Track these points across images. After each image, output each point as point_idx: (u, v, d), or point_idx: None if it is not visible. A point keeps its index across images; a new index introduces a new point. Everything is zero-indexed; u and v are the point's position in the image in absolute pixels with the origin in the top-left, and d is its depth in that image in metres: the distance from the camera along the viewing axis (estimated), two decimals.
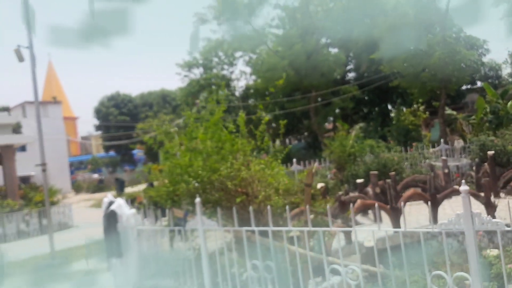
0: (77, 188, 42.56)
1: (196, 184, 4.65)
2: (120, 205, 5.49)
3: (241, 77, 35.04)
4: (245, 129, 5.72)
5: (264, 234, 4.38)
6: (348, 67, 31.11)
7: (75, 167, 51.07)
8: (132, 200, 10.62)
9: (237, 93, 34.13)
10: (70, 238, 14.89)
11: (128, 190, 34.36)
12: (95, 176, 45.84)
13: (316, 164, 16.29)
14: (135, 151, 52.27)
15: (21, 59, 11.58)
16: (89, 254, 11.59)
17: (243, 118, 5.79)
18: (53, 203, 17.30)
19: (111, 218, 5.56)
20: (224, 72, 33.38)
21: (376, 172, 11.89)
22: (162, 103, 50.70)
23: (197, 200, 4.51)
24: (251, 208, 4.22)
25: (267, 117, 5.89)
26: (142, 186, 38.13)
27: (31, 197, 18.89)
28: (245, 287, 4.52)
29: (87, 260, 10.84)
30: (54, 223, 17.01)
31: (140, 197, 16.35)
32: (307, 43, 25.66)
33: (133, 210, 5.34)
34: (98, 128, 48.09)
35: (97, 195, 35.43)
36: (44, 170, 11.34)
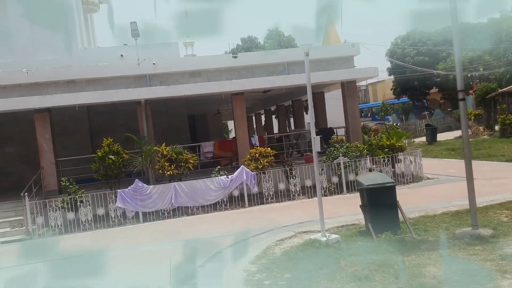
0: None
1: None
2: None
3: None
4: None
5: None
6: None
7: None
8: None
9: None
10: (438, 195, 11.68)
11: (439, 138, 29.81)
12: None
13: None
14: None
15: None
16: None
17: None
18: (400, 149, 14.51)
19: None
20: None
21: None
22: (464, 38, 42.76)
23: None
24: None
25: None
26: (453, 133, 32.94)
27: (366, 139, 16.77)
28: None
29: None
30: (406, 173, 14.27)
31: None
32: None
33: None
34: (391, 71, 44.52)
35: None
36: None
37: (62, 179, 12.57)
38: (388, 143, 14.39)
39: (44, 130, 13.31)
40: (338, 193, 13.37)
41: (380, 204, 7.98)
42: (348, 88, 15.36)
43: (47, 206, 12.12)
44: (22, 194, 11.75)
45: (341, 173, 13.51)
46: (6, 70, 13.58)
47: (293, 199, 13.15)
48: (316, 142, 7.95)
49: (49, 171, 13.24)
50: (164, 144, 13.01)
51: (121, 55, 17.36)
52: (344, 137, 16.72)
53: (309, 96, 7.98)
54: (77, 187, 12.36)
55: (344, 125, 16.19)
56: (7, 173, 16.73)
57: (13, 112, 13.64)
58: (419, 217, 9.10)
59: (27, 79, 13.31)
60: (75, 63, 14.67)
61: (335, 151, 13.91)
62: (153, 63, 14.00)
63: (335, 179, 13.50)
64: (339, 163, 13.54)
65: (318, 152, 8.44)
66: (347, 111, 15.49)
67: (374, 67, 15.13)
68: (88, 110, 17.46)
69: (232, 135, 40.96)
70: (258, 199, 13.12)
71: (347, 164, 13.56)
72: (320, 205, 8.00)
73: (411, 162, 14.61)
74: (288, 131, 25.66)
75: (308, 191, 13.28)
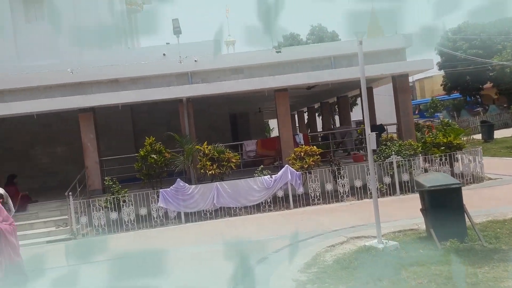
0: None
1: None
2: None
3: None
4: None
5: None
6: None
7: None
8: None
9: None
10: (505, 197, 10.54)
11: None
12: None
13: None
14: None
15: None
16: None
17: None
18: (458, 147, 13.39)
19: None
20: None
21: None
22: None
23: None
24: None
25: None
26: (510, 131, 30.62)
27: (419, 137, 15.70)
28: None
29: None
30: (466, 173, 13.12)
31: None
32: None
33: None
34: (441, 66, 42.27)
35: None
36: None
37: (106, 178, 12.48)
38: (445, 140, 13.31)
39: (88, 129, 13.31)
40: (390, 195, 12.47)
41: (444, 207, 7.13)
42: (400, 82, 14.36)
43: (91, 205, 12.06)
44: (66, 193, 11.75)
45: (393, 173, 12.60)
46: (52, 70, 13.71)
47: (341, 201, 12.40)
48: (371, 139, 7.23)
49: (93, 170, 13.22)
50: (205, 142, 12.64)
51: (164, 54, 17.21)
52: (395, 135, 15.71)
53: (363, 89, 7.28)
54: (120, 186, 12.23)
55: (395, 121, 15.20)
56: (53, 173, 17.02)
57: (59, 112, 13.74)
58: (486, 222, 8.13)
59: (71, 79, 13.38)
60: (118, 63, 14.62)
61: (387, 150, 13.01)
62: (195, 60, 13.68)
63: (387, 180, 12.59)
64: (391, 162, 12.63)
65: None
66: (399, 107, 14.50)
67: (428, 59, 14.08)
68: (131, 110, 17.47)
69: (273, 134, 40.39)
70: (303, 200, 12.47)
71: (400, 164, 12.62)
72: (376, 207, 7.27)
73: (469, 161, 13.43)
74: (332, 128, 24.77)
75: (358, 192, 12.47)
